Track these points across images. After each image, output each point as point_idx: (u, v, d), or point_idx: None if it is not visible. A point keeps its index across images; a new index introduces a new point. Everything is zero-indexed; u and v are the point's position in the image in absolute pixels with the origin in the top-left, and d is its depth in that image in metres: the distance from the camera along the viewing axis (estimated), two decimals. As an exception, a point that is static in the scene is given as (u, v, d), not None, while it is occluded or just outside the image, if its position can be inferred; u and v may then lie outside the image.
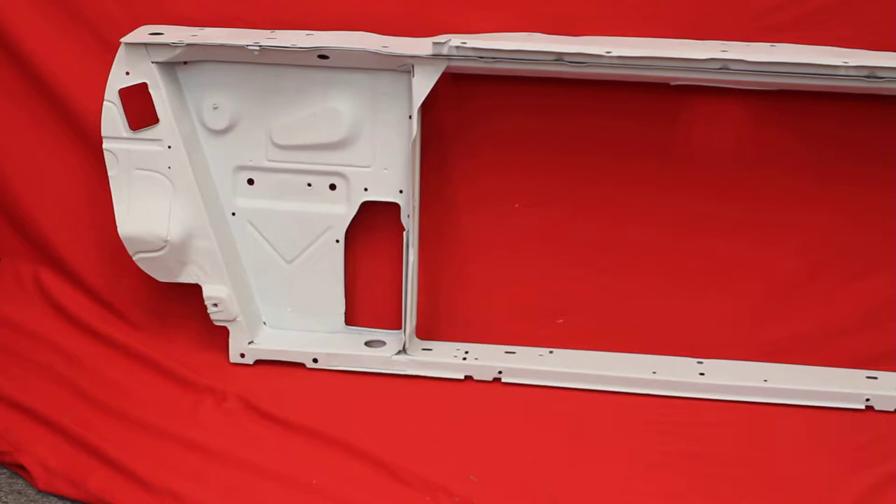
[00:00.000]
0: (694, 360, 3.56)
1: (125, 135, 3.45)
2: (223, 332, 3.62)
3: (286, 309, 3.69)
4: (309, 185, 3.55)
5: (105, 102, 3.43)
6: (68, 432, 3.27)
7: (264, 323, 3.70)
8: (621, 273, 3.60)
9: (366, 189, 3.53)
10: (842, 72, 3.12)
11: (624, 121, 3.49)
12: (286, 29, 3.48)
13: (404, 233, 3.47)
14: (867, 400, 3.40)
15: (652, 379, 3.47)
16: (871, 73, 3.13)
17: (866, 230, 3.51)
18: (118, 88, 3.42)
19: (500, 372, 3.52)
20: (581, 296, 3.63)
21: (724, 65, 3.17)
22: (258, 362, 3.62)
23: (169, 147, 3.44)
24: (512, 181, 3.57)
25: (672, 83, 3.35)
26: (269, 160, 3.54)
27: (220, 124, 3.52)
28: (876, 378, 3.49)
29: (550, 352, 3.60)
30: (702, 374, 3.49)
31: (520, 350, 3.61)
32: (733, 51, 3.21)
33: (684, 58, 3.17)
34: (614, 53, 3.17)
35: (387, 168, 3.50)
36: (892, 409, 3.39)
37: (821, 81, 3.17)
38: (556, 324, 3.63)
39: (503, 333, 3.66)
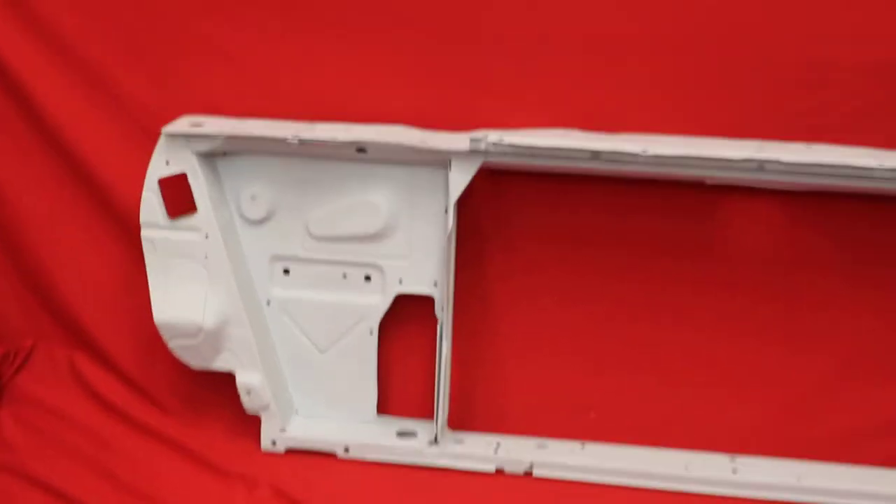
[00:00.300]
0: (727, 457, 3.53)
1: (163, 223, 3.48)
2: (255, 420, 3.62)
3: (318, 398, 3.69)
4: (344, 276, 3.57)
5: (144, 191, 3.47)
6: (99, 517, 3.29)
7: (296, 411, 3.71)
8: (654, 369, 3.60)
9: (401, 281, 3.54)
10: (878, 173, 3.12)
11: (659, 218, 3.51)
12: (324, 121, 3.51)
13: (438, 325, 3.48)
14: (903, 501, 3.39)
15: (684, 475, 3.45)
16: (908, 174, 3.14)
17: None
18: (158, 177, 3.46)
19: (531, 465, 3.51)
20: (614, 391, 3.62)
21: (760, 165, 3.17)
22: (289, 451, 3.62)
23: (206, 236, 3.47)
24: (546, 276, 3.58)
25: (707, 182, 3.37)
26: (306, 250, 3.57)
27: (258, 214, 3.55)
28: (914, 478, 3.47)
29: (582, 446, 3.59)
30: (735, 470, 3.46)
31: (551, 443, 3.59)
32: (769, 150, 3.21)
33: (720, 157, 3.18)
34: (650, 152, 3.18)
35: (422, 261, 3.52)
36: (930, 512, 3.38)
37: (857, 182, 3.16)
38: (588, 418, 3.63)
39: (535, 426, 3.65)
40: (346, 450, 3.59)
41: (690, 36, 3.40)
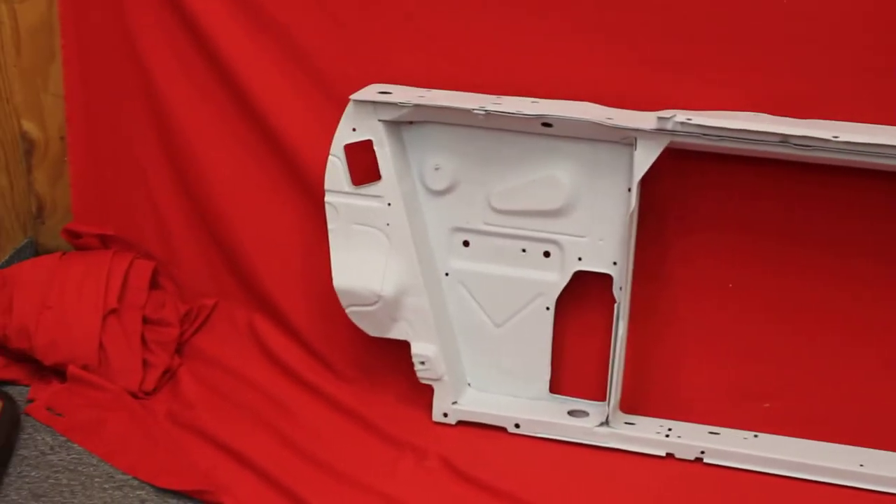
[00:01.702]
0: (905, 454, 3.45)
1: (347, 189, 3.53)
2: (428, 391, 3.65)
3: (492, 372, 3.70)
4: (524, 250, 3.57)
5: (330, 157, 3.52)
6: (271, 477, 3.34)
7: (469, 384, 3.72)
8: (833, 361, 3.52)
9: (580, 259, 3.53)
10: None
11: (847, 211, 3.43)
12: (511, 95, 3.51)
13: (615, 305, 3.46)
14: None
15: (858, 472, 3.37)
16: None
17: None
18: (344, 144, 3.50)
19: (702, 452, 3.47)
20: (790, 381, 3.55)
21: (964, 155, 3.09)
22: (460, 423, 3.64)
23: (389, 204, 3.51)
24: (727, 262, 3.53)
25: (900, 171, 3.29)
26: (486, 223, 3.58)
27: (441, 185, 3.57)
28: None
29: (755, 435, 3.53)
30: (916, 469, 3.39)
31: (724, 431, 3.54)
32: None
33: (916, 146, 3.10)
34: (842, 138, 3.11)
35: (602, 239, 3.50)
36: None
37: None
38: (762, 408, 3.57)
39: (708, 413, 3.60)
40: (517, 426, 3.59)
41: (881, 23, 3.32)
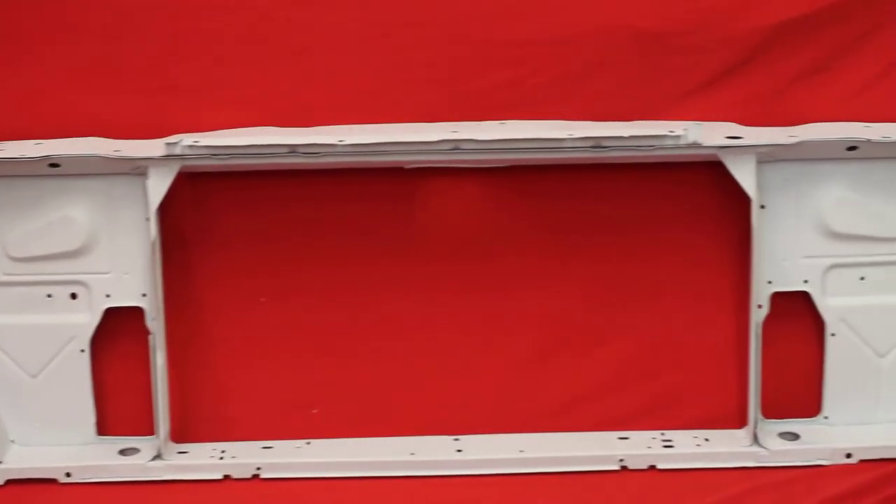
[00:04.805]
0: (450, 438, 3.58)
1: None
2: (-31, 455, 3.50)
3: (34, 424, 3.57)
4: (49, 296, 3.48)
5: None
6: None
7: (13, 441, 3.59)
8: (372, 357, 3.63)
9: (108, 295, 3.48)
10: (568, 144, 3.24)
11: (363, 206, 3.55)
12: (15, 139, 3.42)
13: (150, 336, 3.43)
14: (621, 460, 3.48)
15: (410, 460, 3.49)
16: (597, 143, 3.26)
17: (606, 298, 3.62)
18: None
19: (258, 468, 3.48)
20: (334, 384, 3.63)
21: (456, 145, 3.25)
22: (9, 482, 3.49)
23: None
24: (257, 276, 3.58)
25: (407, 166, 3.42)
26: (6, 274, 3.46)
27: None
28: (627, 438, 3.58)
29: (308, 443, 3.58)
30: (459, 450, 3.52)
31: (277, 444, 3.57)
32: (464, 131, 3.30)
33: (416, 141, 3.25)
34: (347, 141, 3.22)
35: (128, 273, 3.46)
36: (646, 467, 3.49)
37: (551, 154, 3.28)
38: (311, 414, 3.63)
39: (261, 429, 3.63)
40: (68, 474, 3.48)
41: (378, 26, 3.47)
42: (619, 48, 3.47)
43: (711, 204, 3.57)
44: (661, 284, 3.62)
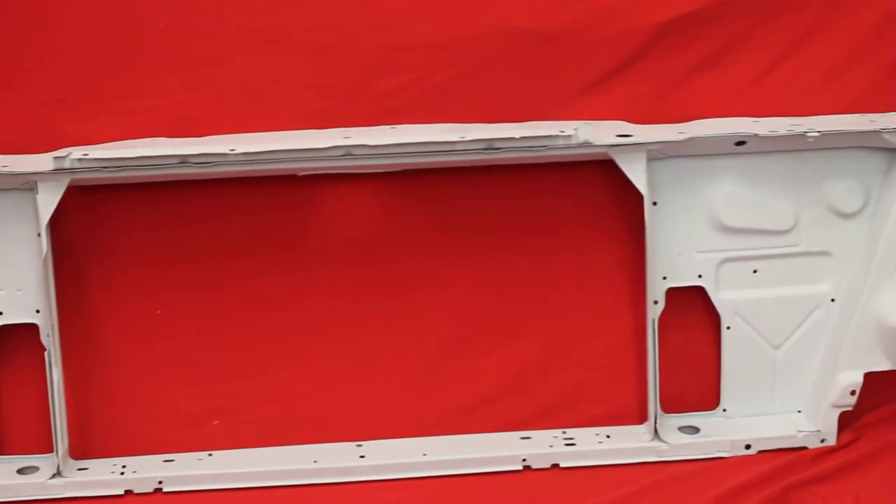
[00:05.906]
0: (353, 444, 3.58)
1: None
2: None
3: (-71, 448, 3.53)
4: (-63, 318, 3.44)
5: None
6: None
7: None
8: (272, 366, 3.62)
9: (1, 313, 3.43)
10: (460, 146, 3.26)
11: (258, 215, 3.54)
12: None
13: (46, 353, 3.39)
14: (524, 460, 3.51)
15: (314, 468, 3.48)
16: (489, 145, 3.27)
17: (504, 299, 3.65)
18: None
19: (160, 482, 3.45)
20: (234, 394, 3.62)
21: (348, 151, 3.25)
22: None
23: None
24: (152, 288, 3.55)
25: (300, 174, 3.42)
26: None
27: None
28: (530, 438, 3.60)
29: (210, 454, 3.56)
30: (362, 456, 3.53)
31: (178, 457, 3.55)
32: (356, 137, 3.30)
33: (307, 148, 3.24)
34: (238, 150, 3.21)
35: (20, 289, 3.41)
36: (549, 466, 3.51)
37: (444, 158, 3.29)
38: (212, 425, 3.61)
39: (163, 442, 3.59)
40: (-36, 498, 3.45)
41: (267, 33, 3.48)
42: (509, 50, 3.51)
43: (605, 202, 3.61)
44: (559, 284, 3.65)
